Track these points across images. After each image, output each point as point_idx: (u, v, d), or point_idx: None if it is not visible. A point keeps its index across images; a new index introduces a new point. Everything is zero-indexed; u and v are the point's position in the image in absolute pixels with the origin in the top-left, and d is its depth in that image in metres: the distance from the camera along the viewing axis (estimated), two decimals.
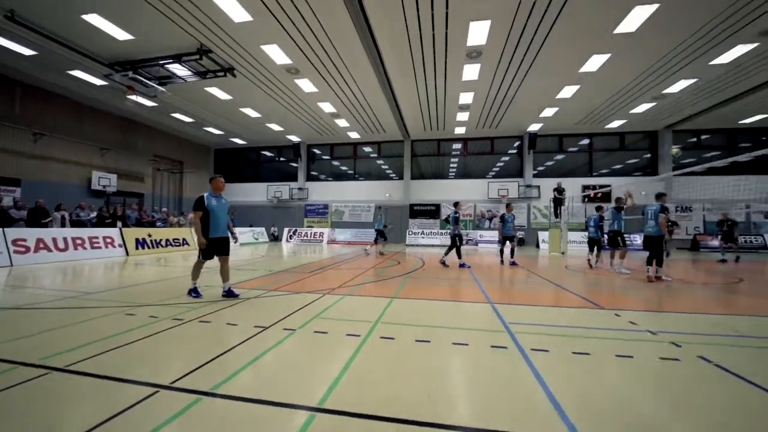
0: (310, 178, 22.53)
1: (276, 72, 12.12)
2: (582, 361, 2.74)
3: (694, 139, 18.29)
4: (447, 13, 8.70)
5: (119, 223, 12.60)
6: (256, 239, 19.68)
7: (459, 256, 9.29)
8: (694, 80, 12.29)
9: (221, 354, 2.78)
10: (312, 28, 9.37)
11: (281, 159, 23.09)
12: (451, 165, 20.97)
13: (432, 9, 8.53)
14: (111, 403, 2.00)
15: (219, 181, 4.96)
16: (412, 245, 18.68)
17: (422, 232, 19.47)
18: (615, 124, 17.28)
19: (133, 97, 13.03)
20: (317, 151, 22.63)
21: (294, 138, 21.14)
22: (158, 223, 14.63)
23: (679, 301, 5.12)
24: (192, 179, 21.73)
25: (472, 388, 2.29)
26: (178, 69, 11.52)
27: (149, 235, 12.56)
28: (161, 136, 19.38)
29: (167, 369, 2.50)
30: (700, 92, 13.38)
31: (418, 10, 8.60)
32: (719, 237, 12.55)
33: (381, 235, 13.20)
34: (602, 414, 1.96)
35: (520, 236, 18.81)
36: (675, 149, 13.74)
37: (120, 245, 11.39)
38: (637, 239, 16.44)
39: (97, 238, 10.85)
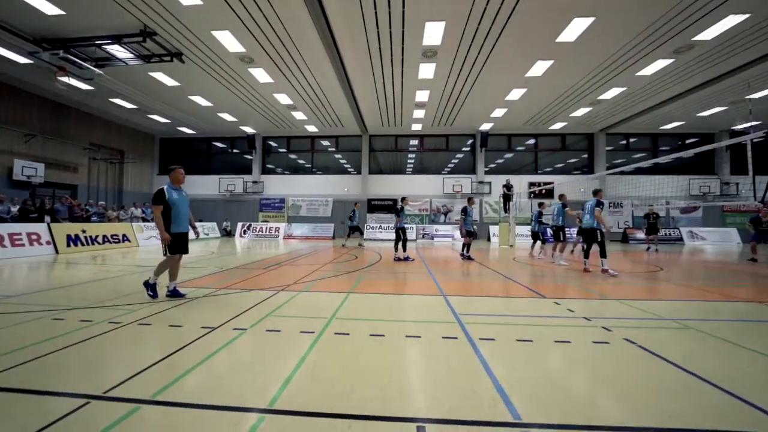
0: (265, 171, 21.68)
1: (228, 60, 11.47)
2: (525, 348, 2.95)
3: (624, 142, 20.26)
4: (403, 12, 8.77)
5: (47, 218, 11.24)
6: (207, 235, 18.63)
7: (404, 249, 9.46)
8: (624, 88, 13.58)
9: (163, 358, 2.60)
10: (267, 16, 8.98)
11: (234, 151, 21.96)
12: (409, 161, 21.31)
13: (389, 6, 8.55)
14: (31, 421, 1.80)
15: (179, 172, 4.68)
16: (370, 239, 18.77)
17: (380, 227, 19.62)
18: (557, 125, 18.61)
19: (65, 79, 11.58)
20: (273, 144, 21.83)
21: (248, 129, 20.20)
22: (94, 218, 13.28)
23: (609, 290, 5.68)
24: (134, 170, 19.96)
25: (424, 380, 2.37)
26: (117, 51, 10.44)
27: (83, 231, 11.36)
28: (98, 122, 17.51)
29: (100, 378, 2.30)
30: (629, 99, 14.82)
31: (375, 7, 8.57)
32: (644, 230, 14.21)
33: (356, 230, 14.03)
34: (542, 396, 2.13)
35: (473, 229, 19.66)
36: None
37: (48, 242, 10.20)
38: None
39: (19, 234, 9.62)
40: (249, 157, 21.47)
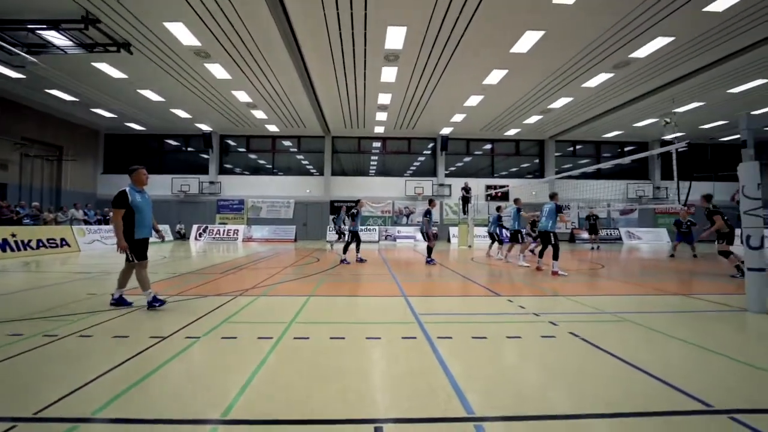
0: (223, 171, 20.72)
1: (182, 54, 10.86)
2: (480, 345, 3.09)
3: (571, 148, 21.80)
4: (366, 15, 8.83)
5: None
6: (162, 240, 17.42)
7: (357, 250, 9.50)
8: (571, 98, 14.63)
9: (106, 372, 2.42)
10: (224, 10, 8.64)
11: (189, 149, 20.79)
12: (372, 162, 21.40)
13: (351, 9, 8.56)
14: None
15: (141, 173, 4.37)
16: (333, 241, 18.58)
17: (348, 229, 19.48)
18: (511, 132, 19.62)
19: None
20: (231, 143, 20.94)
21: (204, 127, 19.21)
22: (26, 220, 11.95)
23: (557, 287, 6.09)
24: (75, 168, 18.22)
25: (383, 380, 2.41)
26: (55, 37, 9.47)
27: (13, 235, 10.20)
28: (32, 115, 15.80)
29: (31, 398, 2.09)
30: (575, 109, 15.98)
31: (337, 9, 8.54)
32: (587, 230, 15.43)
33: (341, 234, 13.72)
34: (494, 390, 2.25)
35: (434, 231, 20.15)
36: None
37: None
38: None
39: None
40: (205, 156, 20.43)
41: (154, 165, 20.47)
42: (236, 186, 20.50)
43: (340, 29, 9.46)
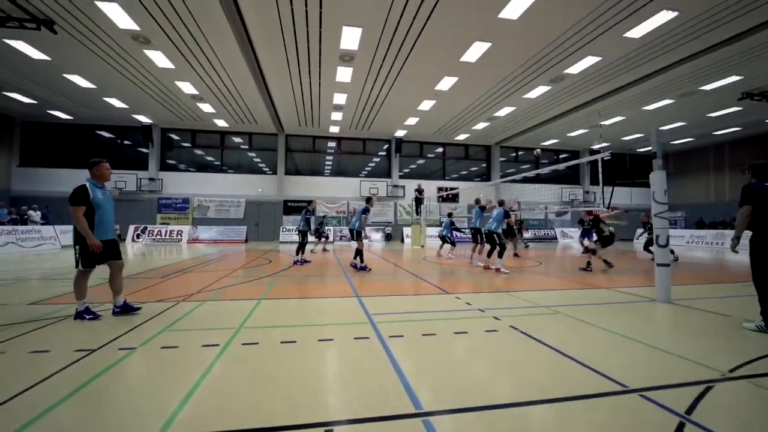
0: (165, 167, 19.17)
1: (118, 37, 9.88)
2: (429, 342, 3.21)
3: (514, 154, 23.35)
4: (321, 13, 8.72)
5: None
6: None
7: (302, 252, 9.26)
8: (514, 108, 15.68)
9: (20, 393, 2.15)
10: None
11: (126, 142, 18.94)
12: (327, 162, 21.14)
13: (306, 6, 8.41)
14: None
15: (104, 166, 3.89)
16: (286, 242, 18.07)
17: (296, 229, 19.00)
18: (461, 136, 20.54)
19: None
20: (175, 137, 19.43)
21: (144, 119, 17.63)
22: None
23: (500, 283, 6.50)
24: None
25: (334, 382, 2.42)
26: None
27: None
28: None
29: None
30: (518, 117, 17.14)
31: (291, 5, 8.34)
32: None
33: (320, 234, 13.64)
34: (442, 385, 2.36)
35: (388, 232, 20.43)
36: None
37: None
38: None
39: None
40: (144, 150, 18.76)
41: (84, 159, 18.32)
42: (180, 183, 19.09)
43: (294, 25, 9.24)
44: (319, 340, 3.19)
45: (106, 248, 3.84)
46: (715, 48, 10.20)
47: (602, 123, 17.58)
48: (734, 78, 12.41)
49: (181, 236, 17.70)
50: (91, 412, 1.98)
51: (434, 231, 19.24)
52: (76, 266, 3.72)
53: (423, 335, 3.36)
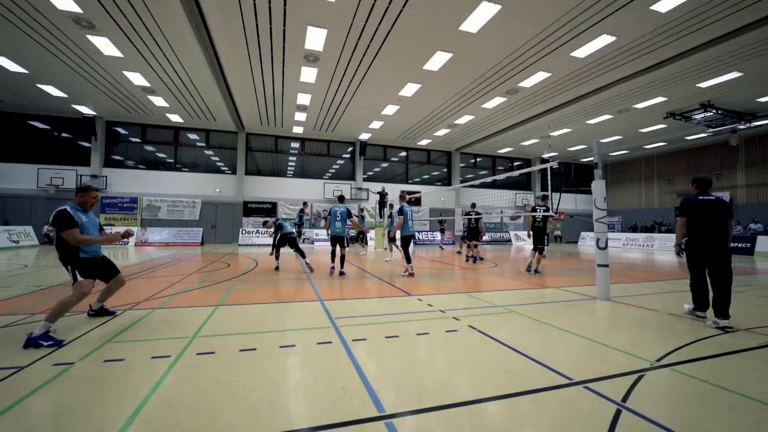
0: (109, 163, 17.65)
1: (56, 20, 8.98)
2: (392, 344, 3.26)
3: (473, 161, 24.33)
4: (285, 11, 8.56)
5: None
6: (17, 243, 13.97)
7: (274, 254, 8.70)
8: (473, 116, 16.37)
9: None
10: None
11: (64, 135, 17.18)
12: (290, 163, 20.66)
13: (269, 2, 8.21)
14: None
15: (91, 195, 3.78)
16: (246, 245, 17.36)
17: (257, 231, 18.36)
18: (424, 142, 21.05)
19: None
20: (122, 131, 17.96)
21: (85, 110, 16.11)
22: None
23: (461, 285, 6.74)
24: None
25: (296, 389, 2.38)
26: None
27: None
28: None
29: None
30: (476, 126, 17.91)
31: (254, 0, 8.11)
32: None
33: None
34: (404, 386, 2.41)
35: (352, 234, 20.33)
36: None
37: None
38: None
39: None
40: (86, 144, 17.13)
41: (12, 152, 16.43)
42: (127, 181, 17.67)
43: (256, 20, 8.98)
44: (281, 347, 3.12)
45: (103, 267, 3.91)
46: (646, 71, 11.42)
47: (551, 134, 18.88)
48: (660, 99, 13.92)
49: (127, 239, 16.35)
50: None
51: (397, 234, 19.55)
52: (75, 282, 3.50)
53: (386, 337, 3.41)
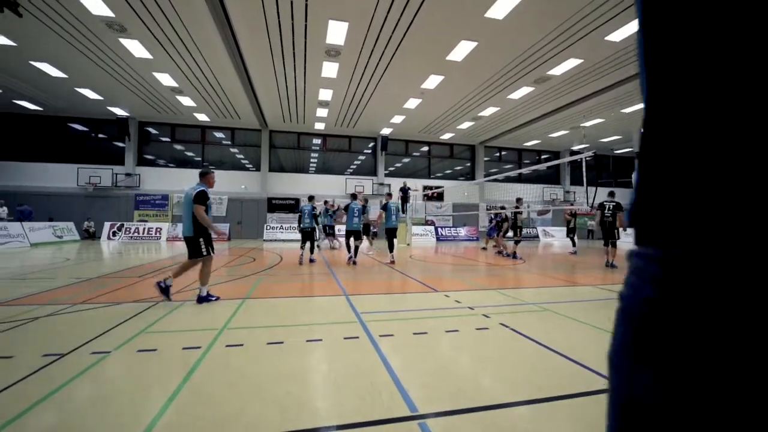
0: (142, 162, 18.41)
1: (91, 24, 9.36)
2: (421, 341, 3.16)
3: (498, 154, 23.66)
4: (306, 6, 8.54)
5: None
6: (60, 237, 14.87)
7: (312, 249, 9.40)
8: (498, 108, 15.85)
9: None
10: None
11: (101, 136, 18.06)
12: (312, 160, 20.85)
13: None
14: None
15: (213, 176, 4.82)
16: (271, 240, 17.73)
17: (281, 227, 18.70)
18: (446, 135, 20.64)
19: None
20: (153, 131, 18.69)
21: (119, 111, 16.84)
22: None
23: (488, 281, 6.54)
24: None
25: (324, 385, 2.33)
26: None
27: None
28: None
29: None
30: (501, 118, 17.35)
31: None
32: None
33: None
34: (435, 385, 2.31)
35: (374, 230, 20.31)
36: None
37: None
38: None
39: None
40: (121, 144, 17.96)
41: (55, 152, 17.45)
42: (159, 179, 18.38)
43: (279, 17, 9.01)
44: (308, 341, 3.09)
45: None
46: None
47: (583, 124, 18.02)
48: None
49: (159, 234, 17.08)
50: (61, 422, 1.83)
51: (420, 230, 19.35)
52: (202, 255, 4.51)
53: (414, 334, 3.31)
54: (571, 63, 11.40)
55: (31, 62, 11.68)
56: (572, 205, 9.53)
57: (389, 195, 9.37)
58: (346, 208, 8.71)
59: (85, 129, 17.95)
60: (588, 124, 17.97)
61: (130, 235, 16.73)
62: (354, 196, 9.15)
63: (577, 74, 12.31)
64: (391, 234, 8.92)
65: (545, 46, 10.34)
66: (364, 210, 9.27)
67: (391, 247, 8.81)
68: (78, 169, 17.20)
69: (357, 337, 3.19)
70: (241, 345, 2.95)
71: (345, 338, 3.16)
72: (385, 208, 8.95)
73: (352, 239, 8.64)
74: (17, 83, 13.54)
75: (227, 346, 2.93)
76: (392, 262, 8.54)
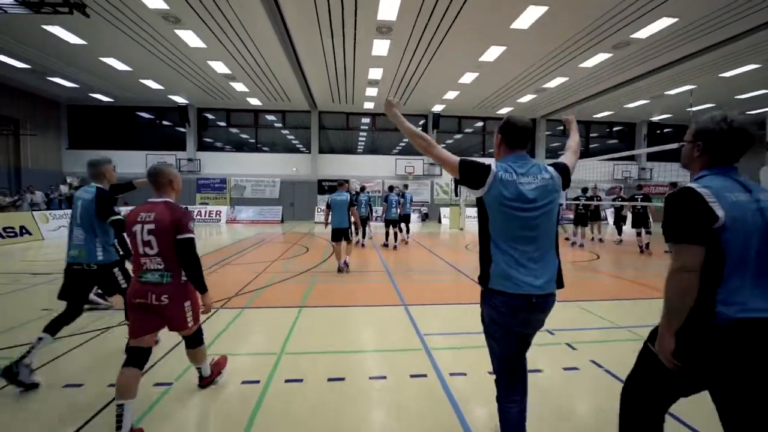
0: (202, 147, 19.43)
1: (148, 18, 9.60)
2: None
3: (561, 128, 21.45)
4: None
5: None
6: None
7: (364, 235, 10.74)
8: (567, 78, 14.09)
9: None
10: None
11: (164, 123, 19.29)
12: (360, 140, 20.56)
13: None
14: None
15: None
16: (321, 222, 18.04)
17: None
18: (504, 110, 19.02)
19: None
20: (210, 117, 19.53)
21: (179, 99, 17.72)
22: None
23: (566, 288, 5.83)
24: (36, 144, 16.55)
25: None
26: None
27: None
28: None
29: None
30: (569, 89, 15.47)
31: None
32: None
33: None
34: None
35: (425, 212, 19.78)
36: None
37: None
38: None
39: None
40: (182, 130, 19.03)
41: (126, 140, 19.01)
42: (217, 163, 19.33)
43: None
44: (371, 378, 2.81)
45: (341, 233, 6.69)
46: None
47: (666, 93, 15.50)
48: None
49: (219, 216, 18.14)
50: None
51: (474, 212, 18.47)
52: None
53: (489, 373, 2.89)
54: (663, 23, 9.57)
55: (101, 58, 12.44)
56: (646, 185, 8.10)
57: (391, 188, 10.68)
58: (386, 199, 9.93)
59: (151, 117, 19.21)
60: (672, 92, 15.45)
61: (193, 218, 17.90)
62: (391, 188, 10.68)
63: (668, 36, 10.36)
64: (390, 224, 9.72)
65: (633, 4, 8.70)
66: (402, 196, 10.15)
67: (386, 235, 9.87)
68: (146, 156, 18.54)
69: (425, 376, 2.83)
70: (301, 380, 2.75)
71: (411, 376, 2.83)
72: (386, 200, 9.81)
73: (390, 227, 9.76)
74: (90, 78, 14.63)
75: (286, 381, 2.74)
76: (386, 245, 9.80)
